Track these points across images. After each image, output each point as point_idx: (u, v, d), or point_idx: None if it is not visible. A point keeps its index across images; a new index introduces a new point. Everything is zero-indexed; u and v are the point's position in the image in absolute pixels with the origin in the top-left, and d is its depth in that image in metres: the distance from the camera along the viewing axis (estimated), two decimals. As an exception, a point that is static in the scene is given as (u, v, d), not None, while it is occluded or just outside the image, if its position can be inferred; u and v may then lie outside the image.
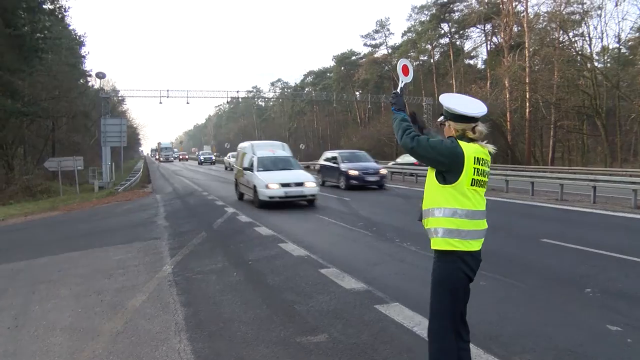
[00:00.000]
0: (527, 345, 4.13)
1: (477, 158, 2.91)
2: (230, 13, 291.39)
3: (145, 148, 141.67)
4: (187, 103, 50.54)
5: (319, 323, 4.83)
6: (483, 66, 55.16)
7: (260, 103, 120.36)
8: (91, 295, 6.25)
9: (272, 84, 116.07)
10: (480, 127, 2.96)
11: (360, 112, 78.76)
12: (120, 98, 67.03)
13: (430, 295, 3.05)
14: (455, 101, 3.04)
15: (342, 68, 79.73)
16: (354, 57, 78.03)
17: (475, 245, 2.92)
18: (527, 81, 39.38)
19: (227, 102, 77.71)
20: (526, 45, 39.88)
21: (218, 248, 9.00)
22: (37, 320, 5.45)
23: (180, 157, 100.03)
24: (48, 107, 32.48)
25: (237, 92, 70.57)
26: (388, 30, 70.58)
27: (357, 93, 74.14)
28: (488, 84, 46.50)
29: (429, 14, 58.12)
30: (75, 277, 7.39)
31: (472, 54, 57.98)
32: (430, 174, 3.04)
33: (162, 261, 8.00)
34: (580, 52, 39.70)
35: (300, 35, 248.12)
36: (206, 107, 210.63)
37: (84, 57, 47.46)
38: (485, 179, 3.01)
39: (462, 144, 2.90)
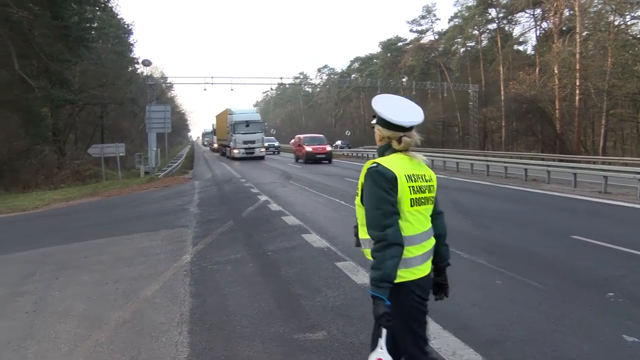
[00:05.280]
0: (529, 354, 3.93)
1: (408, 175, 2.54)
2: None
3: (194, 133, 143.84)
4: (231, 90, 50.99)
5: (320, 319, 4.77)
6: (532, 52, 53.55)
7: (307, 89, 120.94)
8: (108, 283, 6.38)
9: (319, 70, 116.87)
10: (408, 139, 2.59)
11: (406, 99, 77.88)
12: (168, 85, 68.46)
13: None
14: (387, 105, 2.67)
15: (388, 54, 79.12)
16: (400, 43, 77.27)
17: (424, 270, 2.61)
18: (577, 67, 37.89)
19: (273, 88, 77.75)
20: (577, 30, 38.36)
21: (241, 237, 9.05)
22: (54, 306, 5.60)
23: (315, 149, 33.62)
24: (96, 94, 33.45)
25: (281, 78, 70.65)
26: (434, 15, 69.58)
27: (403, 80, 73.44)
28: (537, 70, 45.12)
29: (476, -2, 56.70)
30: (98, 264, 7.56)
31: (520, 40, 56.39)
32: (357, 199, 2.67)
33: (183, 250, 8.10)
34: (637, 36, 37.86)
35: (346, 21, 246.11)
36: (253, 94, 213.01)
37: (132, 45, 48.67)
38: (428, 194, 2.62)
39: (388, 164, 2.52)
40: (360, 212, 2.65)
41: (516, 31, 57.28)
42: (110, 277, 6.67)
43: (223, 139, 47.21)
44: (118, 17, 44.34)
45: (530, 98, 41.74)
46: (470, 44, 63.85)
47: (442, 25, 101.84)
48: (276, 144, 52.91)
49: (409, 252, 2.52)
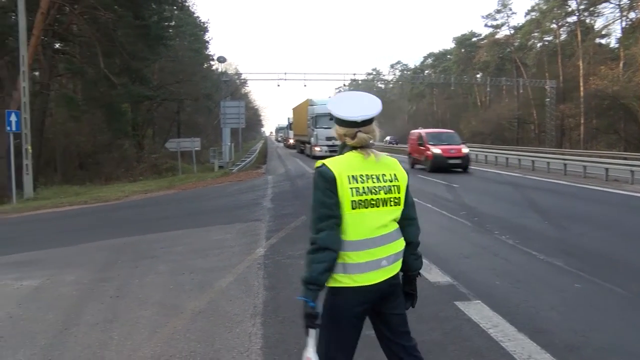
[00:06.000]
0: (612, 363, 3.76)
1: (353, 176, 2.44)
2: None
3: (267, 128, 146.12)
4: (304, 85, 51.56)
5: (391, 316, 4.74)
6: (616, 45, 50.73)
7: (379, 85, 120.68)
8: (184, 274, 6.61)
9: (392, 66, 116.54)
10: (363, 135, 2.47)
11: (480, 95, 76.14)
12: (242, 81, 69.90)
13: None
14: (339, 102, 2.61)
15: (462, 50, 77.72)
16: (474, 39, 75.69)
17: (370, 279, 2.47)
18: (668, 60, 35.71)
19: (345, 84, 78.06)
20: (669, 20, 36.12)
21: (313, 233, 9.12)
22: (135, 293, 5.86)
23: (446, 151, 22.15)
24: (173, 90, 34.75)
25: (354, 74, 70.49)
26: (510, 9, 67.17)
27: (477, 75, 71.79)
28: (620, 64, 42.79)
29: (556, -10, 54.33)
30: (175, 254, 7.86)
31: (602, 33, 53.46)
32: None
33: (257, 243, 8.28)
34: None
35: (419, 16, 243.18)
36: (325, 90, 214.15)
37: (207, 42, 50.23)
38: (384, 195, 2.49)
39: (331, 164, 2.45)
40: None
41: (598, 23, 54.56)
42: (186, 268, 6.91)
43: (301, 134, 41.46)
44: (194, 15, 45.85)
45: (613, 94, 39.66)
46: (547, 39, 61.49)
47: (518, 19, 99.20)
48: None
49: (349, 257, 2.44)
